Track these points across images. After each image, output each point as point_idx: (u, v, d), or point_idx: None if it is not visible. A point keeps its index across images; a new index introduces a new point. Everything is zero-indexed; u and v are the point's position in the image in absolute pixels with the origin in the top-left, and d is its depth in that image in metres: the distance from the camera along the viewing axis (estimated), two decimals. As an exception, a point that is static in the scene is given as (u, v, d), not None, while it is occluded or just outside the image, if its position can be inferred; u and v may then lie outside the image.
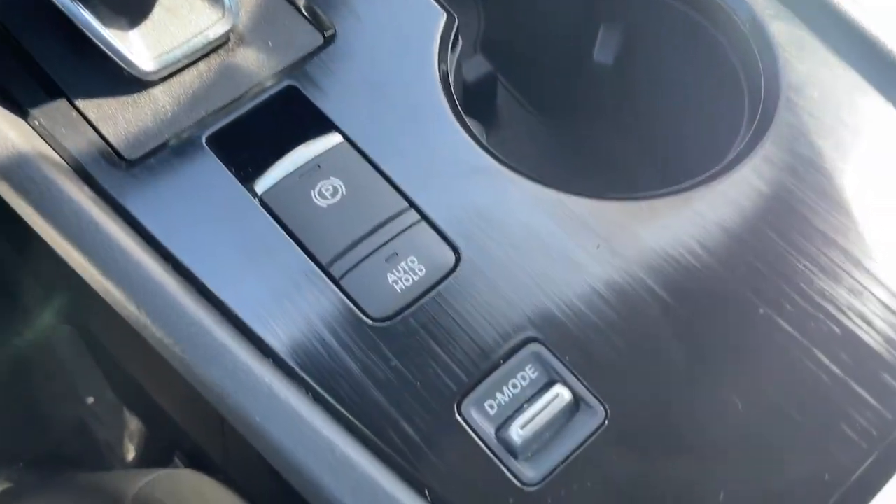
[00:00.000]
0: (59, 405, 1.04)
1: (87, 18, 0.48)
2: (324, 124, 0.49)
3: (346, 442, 0.40)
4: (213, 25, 0.50)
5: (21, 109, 0.48)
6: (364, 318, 0.43)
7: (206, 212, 0.46)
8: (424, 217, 0.46)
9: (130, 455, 1.02)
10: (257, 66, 0.51)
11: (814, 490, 0.41)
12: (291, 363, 0.42)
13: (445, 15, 0.54)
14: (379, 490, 0.39)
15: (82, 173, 0.47)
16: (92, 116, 0.48)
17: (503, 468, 0.40)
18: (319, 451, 0.39)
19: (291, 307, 0.43)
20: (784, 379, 0.43)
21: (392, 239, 0.45)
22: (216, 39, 0.51)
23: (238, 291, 0.44)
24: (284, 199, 0.46)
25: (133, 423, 1.03)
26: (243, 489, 0.71)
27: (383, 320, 0.43)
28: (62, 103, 0.49)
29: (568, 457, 0.41)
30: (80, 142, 0.47)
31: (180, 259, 0.44)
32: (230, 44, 0.52)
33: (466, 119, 0.51)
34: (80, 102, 0.49)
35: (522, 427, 0.41)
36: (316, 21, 0.53)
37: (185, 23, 0.51)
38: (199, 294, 0.44)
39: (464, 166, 0.49)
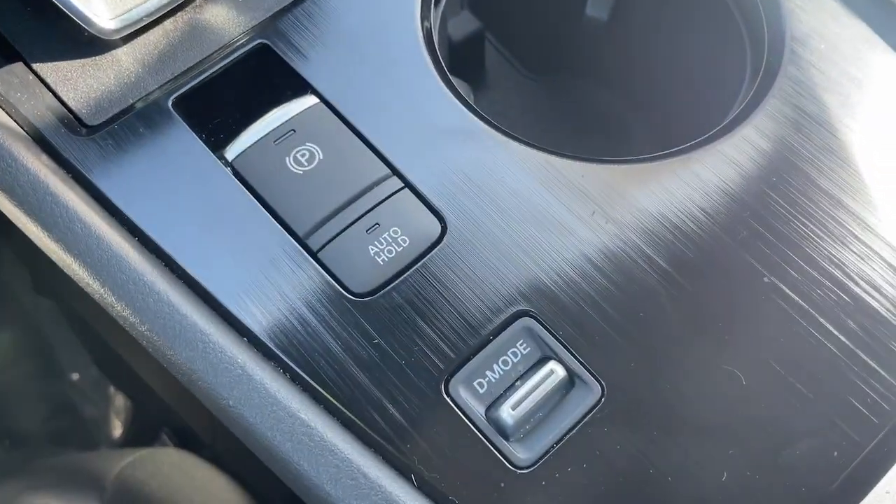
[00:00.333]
0: (43, 382, 1.02)
1: (40, -27, 0.45)
2: (298, 85, 0.46)
3: (326, 425, 0.37)
4: (178, -20, 0.47)
5: (-28, 73, 0.45)
6: (344, 292, 0.41)
7: (174, 181, 0.43)
8: (408, 184, 0.44)
9: (117, 432, 1.01)
10: (227, 23, 0.48)
11: (822, 468, 0.38)
12: (267, 342, 0.39)
13: (428, -34, 0.50)
14: (361, 476, 0.36)
15: (40, 141, 0.44)
16: (50, 80, 0.45)
17: (494, 450, 0.38)
18: (296, 436, 0.37)
19: (266, 282, 0.41)
20: (790, 350, 0.41)
21: (373, 208, 0.43)
22: (182, -5, 0.47)
23: (208, 266, 0.41)
24: (257, 165, 0.43)
25: (119, 399, 1.01)
26: (232, 466, 0.70)
27: (365, 295, 0.41)
28: (18, 67, 0.46)
29: (562, 437, 0.38)
30: (37, 107, 0.44)
31: (146, 232, 0.42)
32: (198, 0, 0.48)
33: (452, 79, 0.48)
34: (37, 65, 0.46)
35: (514, 406, 0.38)
36: (288, -26, 0.49)
37: (148, -23, 0.47)
38: (166, 269, 0.41)
39: (449, 129, 0.46)
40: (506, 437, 0.38)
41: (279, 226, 0.42)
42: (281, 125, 0.44)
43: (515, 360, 0.40)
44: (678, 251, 0.43)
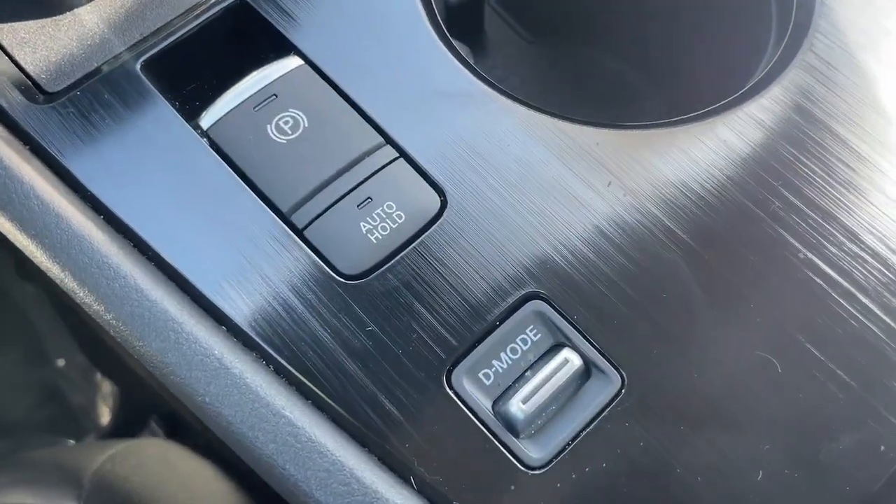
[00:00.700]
0: (30, 369, 1.00)
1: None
2: (281, 45, 0.42)
3: (314, 423, 0.33)
4: (145, -71, 0.42)
5: (-83, 35, 0.41)
6: (333, 275, 0.36)
7: (143, 152, 0.39)
8: (403, 154, 0.39)
9: (105, 419, 0.98)
10: (201, -23, 0.43)
11: (867, 464, 0.35)
12: (248, 331, 0.35)
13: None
14: (353, 480, 0.32)
15: (-7, 109, 0.39)
16: (5, 42, 0.41)
17: (502, 448, 0.34)
18: (281, 436, 0.33)
19: (246, 264, 0.36)
20: (829, 334, 0.37)
21: (365, 180, 0.38)
22: (150, -54, 0.42)
23: (182, 247, 0.37)
24: (235, 134, 0.39)
25: (107, 386, 0.99)
26: (223, 455, 0.66)
27: (356, 277, 0.36)
28: (-31, 28, 0.41)
29: (579, 433, 0.35)
30: (-10, 72, 0.40)
31: (112, 209, 0.38)
32: (168, -48, 0.43)
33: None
34: (-10, 26, 0.41)
35: (524, 399, 0.34)
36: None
37: (112, -73, 0.43)
38: (134, 251, 0.37)
39: (449, 92, 0.41)
40: (515, 434, 0.34)
41: (260, 201, 0.38)
42: (261, 90, 0.40)
43: (525, 348, 0.36)
44: (704, 225, 0.39)
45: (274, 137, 0.39)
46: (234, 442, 0.34)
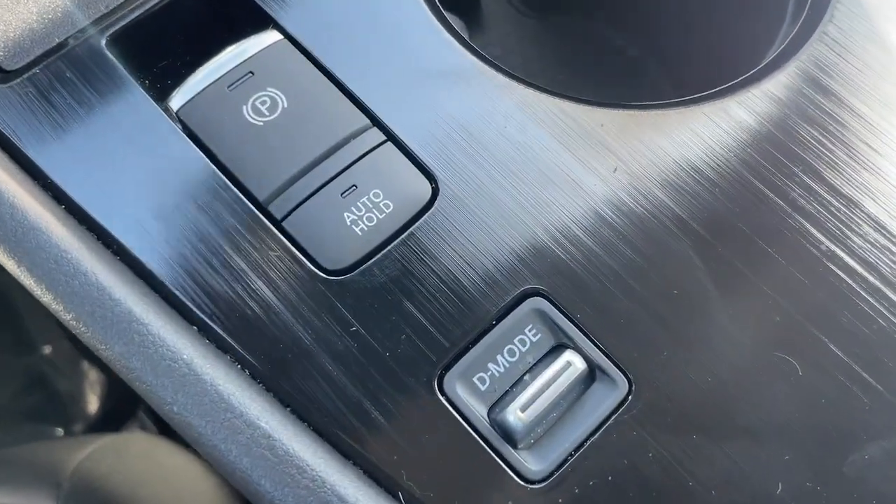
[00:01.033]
0: (14, 355, 0.97)
1: None
2: (258, 18, 0.39)
3: (293, 435, 0.31)
4: None
5: None
6: (315, 270, 0.34)
7: (108, 136, 0.36)
8: (391, 136, 0.36)
9: (93, 407, 0.96)
10: (171, -56, 0.40)
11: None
12: (221, 332, 0.32)
13: None
14: (335, 498, 0.30)
15: (-56, 89, 0.36)
16: (-42, 16, 0.38)
17: (499, 460, 0.31)
18: (256, 450, 0.30)
19: (220, 259, 0.33)
20: (854, 334, 0.34)
21: (349, 166, 0.35)
22: None
23: (150, 240, 0.34)
24: (208, 116, 0.36)
25: (94, 374, 0.97)
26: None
27: (340, 273, 0.34)
28: (-81, 0, 0.38)
29: (582, 443, 0.32)
30: (-59, 49, 0.37)
31: (74, 199, 0.34)
32: (136, -84, 0.40)
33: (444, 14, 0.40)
34: (-59, -2, 0.38)
35: (523, 407, 0.32)
36: None
37: None
38: (98, 244, 0.34)
39: (442, 70, 0.38)
40: (513, 445, 0.32)
41: (235, 189, 0.35)
42: (237, 67, 0.37)
43: (524, 350, 0.33)
44: (717, 214, 0.36)
45: (250, 119, 0.36)
46: (207, 454, 0.31)
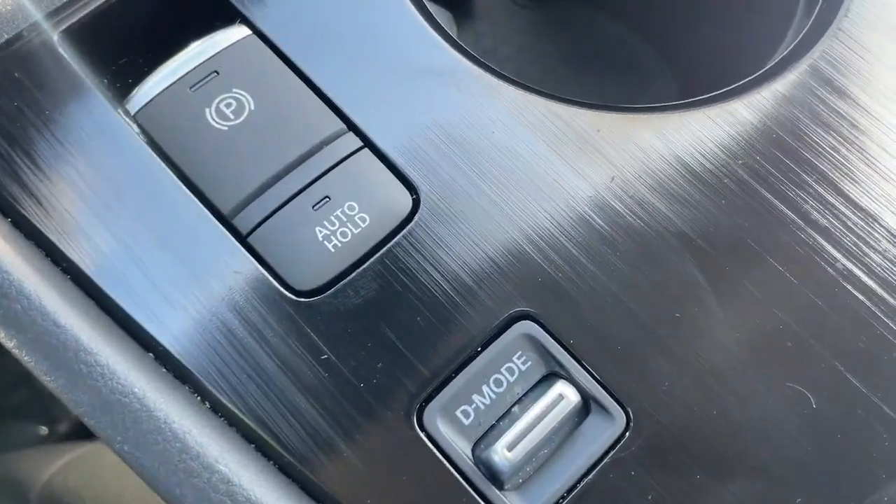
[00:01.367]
0: None
1: None
2: (224, 11, 0.35)
3: (253, 477, 0.28)
4: None
5: None
6: (283, 291, 0.31)
7: (59, 142, 0.33)
8: (368, 142, 0.33)
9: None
10: (131, -69, 0.36)
11: (918, 518, 0.29)
12: (180, 359, 0.30)
13: None
14: (302, 550, 0.27)
15: None
16: None
17: (484, 503, 0.28)
18: (213, 496, 0.27)
19: (180, 279, 0.30)
20: (872, 361, 0.31)
21: (322, 176, 0.32)
22: None
23: (102, 257, 0.31)
24: (168, 120, 0.33)
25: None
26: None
27: (311, 294, 0.31)
28: None
29: (576, 484, 0.29)
30: None
31: (21, 212, 0.31)
32: None
33: (428, 5, 0.37)
34: None
35: (511, 444, 0.29)
36: None
37: None
38: (46, 262, 0.31)
39: (424, 70, 0.35)
40: (499, 486, 0.29)
41: (197, 201, 0.32)
42: (200, 65, 0.34)
43: (512, 380, 0.30)
44: (723, 230, 0.33)
45: (214, 124, 0.33)
46: (161, 496, 0.28)
